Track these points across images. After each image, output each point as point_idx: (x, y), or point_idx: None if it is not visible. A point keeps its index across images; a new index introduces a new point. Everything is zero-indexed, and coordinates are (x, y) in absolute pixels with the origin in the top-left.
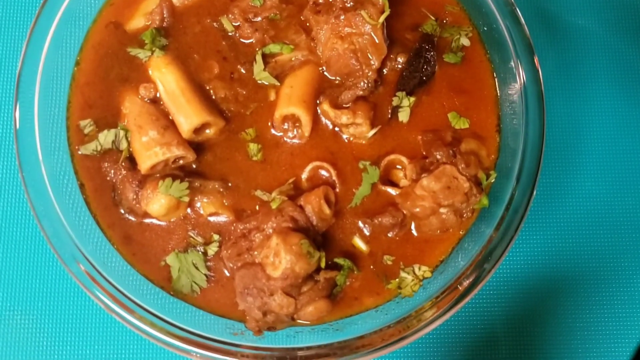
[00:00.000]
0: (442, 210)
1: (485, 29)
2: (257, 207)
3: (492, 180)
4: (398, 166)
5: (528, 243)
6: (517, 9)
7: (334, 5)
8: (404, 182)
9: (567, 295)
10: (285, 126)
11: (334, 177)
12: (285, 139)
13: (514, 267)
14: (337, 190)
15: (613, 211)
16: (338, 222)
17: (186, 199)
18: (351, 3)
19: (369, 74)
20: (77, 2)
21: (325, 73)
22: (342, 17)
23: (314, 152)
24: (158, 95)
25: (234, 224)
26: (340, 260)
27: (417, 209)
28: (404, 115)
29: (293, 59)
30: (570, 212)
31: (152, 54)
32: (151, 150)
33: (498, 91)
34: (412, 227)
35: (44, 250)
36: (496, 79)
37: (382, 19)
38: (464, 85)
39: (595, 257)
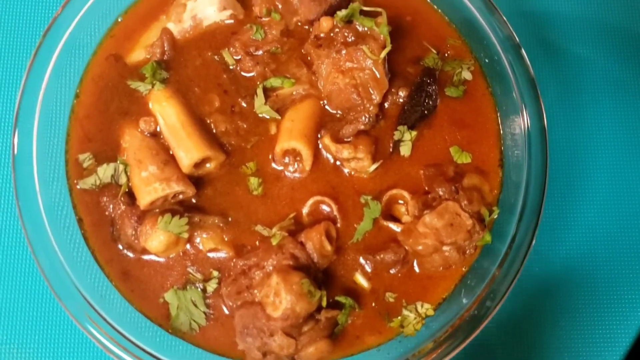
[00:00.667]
0: (444, 248)
1: (487, 61)
2: (257, 243)
3: (495, 217)
4: (400, 201)
5: (529, 274)
6: (519, 42)
7: (335, 39)
8: (406, 218)
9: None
10: (286, 160)
11: (335, 212)
12: (286, 173)
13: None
14: (339, 225)
15: (616, 241)
16: (339, 258)
17: (185, 235)
18: (352, 37)
19: (370, 109)
20: (77, 33)
21: (327, 107)
22: (344, 51)
23: (315, 186)
24: (158, 129)
25: (234, 260)
26: (341, 299)
27: (420, 247)
28: (405, 150)
29: (294, 92)
30: (572, 242)
31: (152, 87)
32: (150, 186)
33: (500, 125)
34: (415, 263)
35: (40, 284)
36: (498, 113)
37: (383, 54)
38: (466, 119)
39: (596, 286)
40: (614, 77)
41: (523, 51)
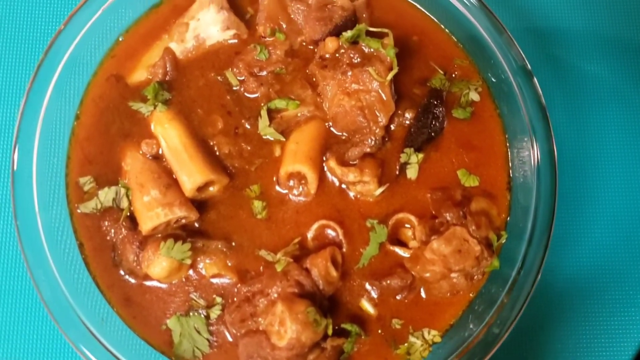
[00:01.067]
0: (452, 275)
1: (495, 80)
2: (261, 269)
3: (503, 241)
4: (407, 225)
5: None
6: (528, 64)
7: (341, 60)
8: (413, 243)
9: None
10: (291, 183)
11: (341, 237)
12: (290, 196)
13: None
14: (344, 250)
15: (624, 257)
16: (345, 284)
17: (188, 262)
18: (358, 59)
19: (376, 131)
20: (78, 53)
21: (332, 129)
22: (349, 73)
23: (320, 209)
24: (160, 151)
25: (238, 286)
26: (347, 326)
27: (428, 274)
28: (412, 172)
29: (299, 114)
30: (579, 257)
31: (154, 108)
32: (153, 211)
33: (508, 147)
34: (421, 289)
35: (40, 309)
36: (506, 135)
37: (390, 76)
38: (474, 142)
39: (601, 300)
40: (622, 94)
41: (532, 72)
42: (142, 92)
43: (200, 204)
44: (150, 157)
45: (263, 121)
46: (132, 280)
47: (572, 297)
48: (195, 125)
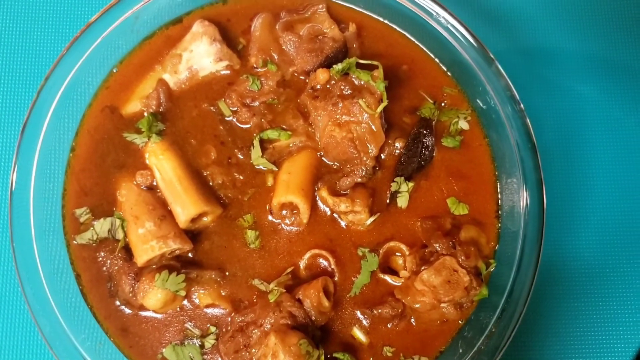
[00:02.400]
0: (442, 304)
1: (484, 107)
2: (254, 298)
3: (492, 269)
4: (397, 253)
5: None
6: (517, 96)
7: (332, 91)
8: (403, 273)
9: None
10: (284, 213)
11: (333, 266)
12: (283, 225)
13: None
14: (336, 278)
15: (611, 279)
16: (337, 312)
17: (183, 293)
18: (349, 90)
19: (367, 162)
20: (73, 85)
21: (324, 158)
22: (340, 104)
23: (312, 238)
24: (155, 182)
25: (231, 316)
26: (339, 355)
27: (418, 305)
28: (402, 201)
29: (291, 144)
30: (569, 282)
31: (149, 139)
32: (147, 244)
33: (497, 175)
34: (412, 317)
35: (39, 344)
36: (495, 163)
37: (380, 109)
38: (463, 170)
39: (593, 322)
40: (610, 114)
41: (523, 110)
42: (136, 125)
43: (194, 235)
44: (144, 188)
45: (255, 151)
46: (128, 311)
47: (564, 310)
48: (189, 155)
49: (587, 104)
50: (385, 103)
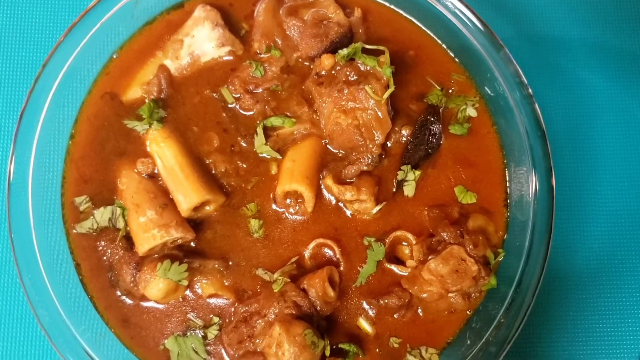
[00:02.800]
0: (450, 294)
1: (492, 94)
2: (258, 288)
3: (501, 259)
4: (404, 242)
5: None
6: (526, 82)
7: (337, 77)
8: (410, 263)
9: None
10: (288, 201)
11: (338, 255)
12: (287, 214)
13: None
14: (341, 268)
15: (620, 271)
16: (342, 303)
17: (185, 283)
18: (354, 76)
19: (373, 149)
20: (72, 71)
21: (329, 146)
22: (346, 90)
23: (317, 227)
24: (156, 170)
25: (235, 306)
26: (345, 346)
27: (425, 295)
28: (409, 190)
29: (295, 132)
30: (578, 273)
31: (149, 127)
32: (149, 233)
33: (505, 163)
34: (419, 308)
35: (38, 334)
36: (503, 151)
37: (386, 95)
38: (471, 158)
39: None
40: (618, 101)
41: (531, 95)
42: (137, 112)
43: (196, 224)
44: (145, 176)
45: (259, 139)
46: (129, 301)
47: (573, 299)
48: (191, 143)
49: (596, 92)
50: (392, 89)
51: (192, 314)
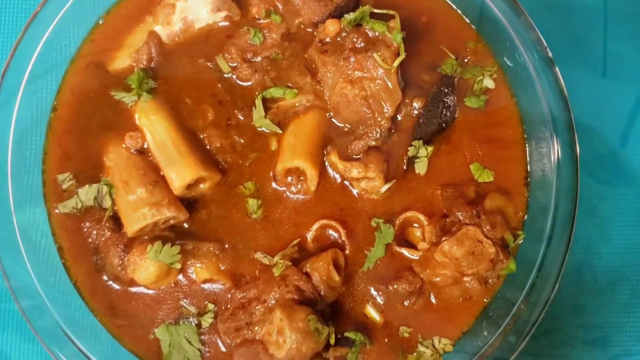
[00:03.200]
0: (465, 278)
1: (511, 65)
2: (257, 273)
3: (520, 242)
4: (415, 224)
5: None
6: (548, 49)
7: (343, 45)
8: (422, 245)
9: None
10: (289, 180)
11: (343, 238)
12: (288, 193)
13: None
14: (347, 252)
15: None
16: (348, 289)
17: (178, 266)
18: (362, 43)
19: (382, 122)
20: (54, 38)
21: (333, 120)
22: (352, 58)
23: (320, 208)
24: (146, 145)
25: (232, 292)
26: (351, 335)
27: (438, 279)
28: (421, 167)
29: (297, 104)
30: (601, 261)
31: (139, 98)
32: (139, 212)
33: (525, 139)
34: (431, 294)
35: (18, 321)
36: (523, 125)
37: (396, 63)
38: (488, 133)
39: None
40: None
41: (552, 59)
42: (126, 81)
43: (190, 203)
44: (134, 152)
45: (258, 112)
46: (117, 287)
47: (597, 292)
48: (184, 116)
49: (625, 64)
50: (402, 56)
51: (185, 300)
